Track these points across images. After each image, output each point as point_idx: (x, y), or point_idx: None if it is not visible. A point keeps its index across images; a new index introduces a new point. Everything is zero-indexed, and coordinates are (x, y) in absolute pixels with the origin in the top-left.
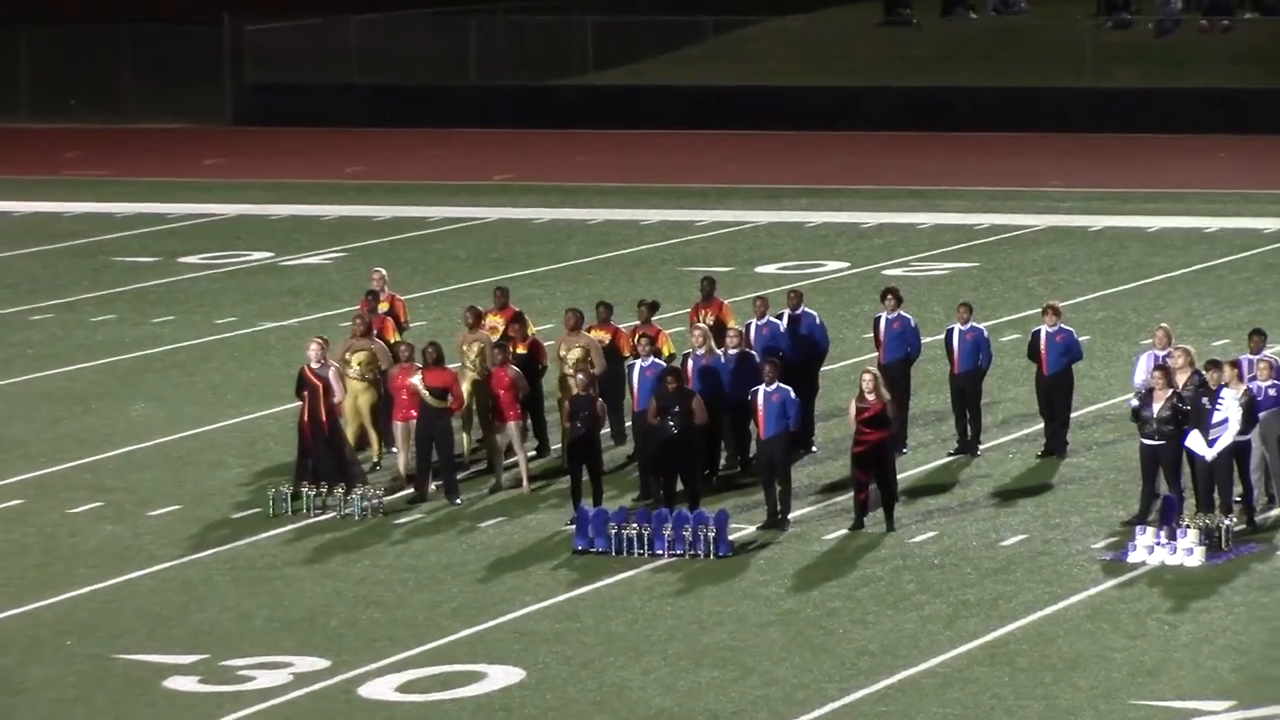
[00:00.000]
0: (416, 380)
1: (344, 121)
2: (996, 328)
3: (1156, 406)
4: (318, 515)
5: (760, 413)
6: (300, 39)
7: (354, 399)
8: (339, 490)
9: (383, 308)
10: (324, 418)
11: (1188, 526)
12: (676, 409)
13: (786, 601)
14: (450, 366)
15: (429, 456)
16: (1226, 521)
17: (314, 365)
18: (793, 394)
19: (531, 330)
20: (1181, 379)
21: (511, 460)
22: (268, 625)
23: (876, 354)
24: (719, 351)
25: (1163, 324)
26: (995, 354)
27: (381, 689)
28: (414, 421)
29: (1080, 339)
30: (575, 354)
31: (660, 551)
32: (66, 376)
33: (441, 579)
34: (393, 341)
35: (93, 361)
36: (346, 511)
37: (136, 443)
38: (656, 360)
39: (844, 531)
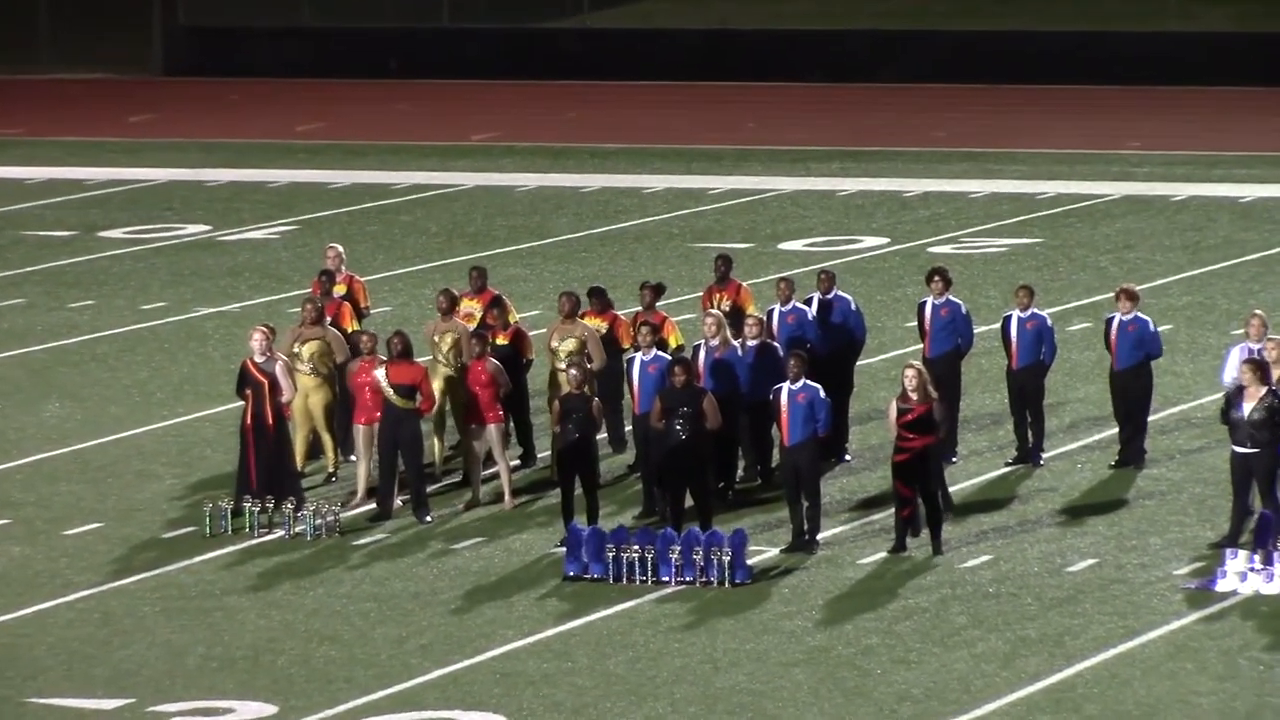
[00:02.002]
0: (380, 376)
1: (294, 71)
2: (1063, 315)
3: (1248, 407)
4: (263, 535)
5: (784, 415)
6: None
7: (305, 398)
8: (287, 506)
9: (339, 291)
10: (269, 420)
11: None
12: (685, 410)
13: (815, 637)
14: (419, 360)
15: (394, 466)
16: None
17: (258, 359)
18: (822, 393)
19: (514, 317)
20: (1279, 375)
21: (491, 470)
22: (204, 664)
23: (921, 346)
24: (735, 343)
25: (1257, 311)
26: (1061, 346)
27: None
28: (377, 425)
29: (1160, 329)
30: (570, 345)
31: (666, 578)
32: None
33: (409, 610)
34: (351, 331)
35: None
36: (297, 531)
37: (50, 449)
38: (661, 353)
39: (883, 555)
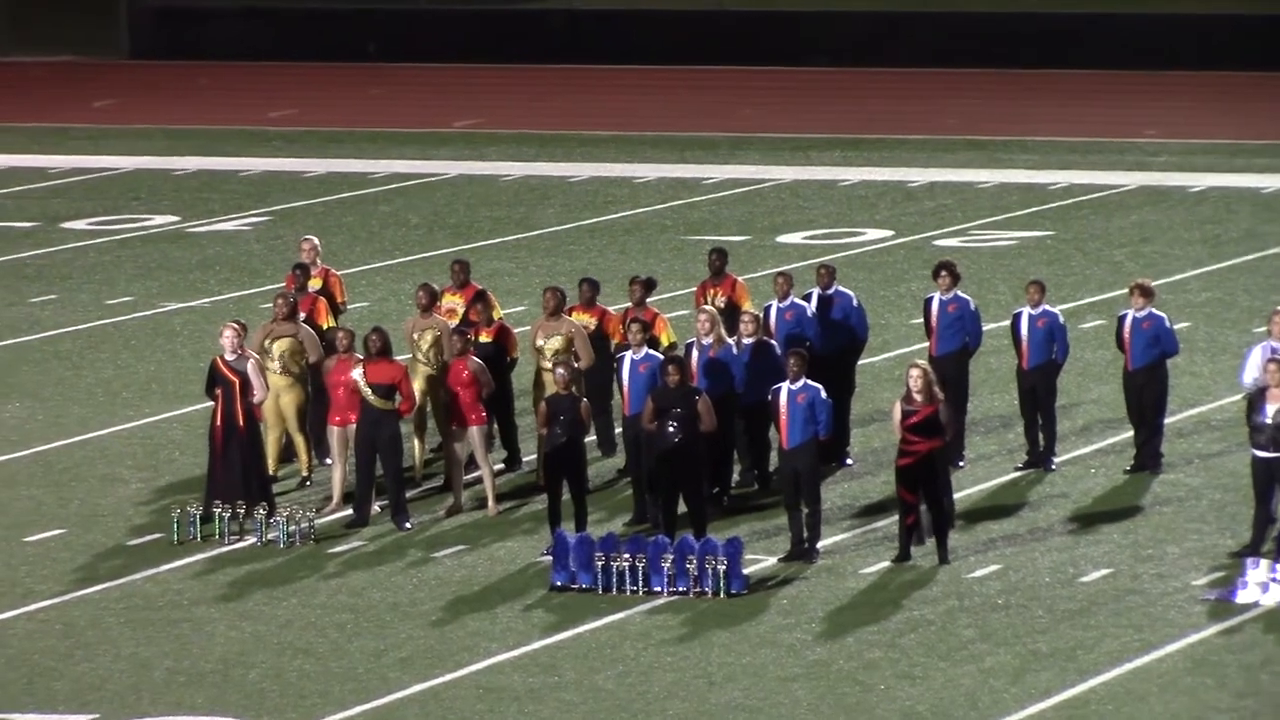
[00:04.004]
0: (357, 375)
1: (266, 54)
2: (1075, 311)
3: (1272, 409)
4: (234, 542)
5: (783, 416)
6: None
7: (276, 398)
8: (259, 512)
9: (314, 285)
10: (240, 421)
11: None
12: (678, 412)
13: (815, 651)
14: (399, 359)
15: (372, 470)
16: None
17: (229, 357)
18: (823, 393)
19: (498, 314)
20: None
21: (474, 475)
22: (171, 678)
23: (927, 344)
24: (730, 341)
25: None
26: (1073, 344)
27: None
28: (353, 426)
29: (1178, 326)
30: (555, 343)
31: (658, 589)
32: None
33: (387, 621)
34: (326, 327)
35: None
36: (269, 538)
37: (9, 451)
38: (652, 352)
39: (886, 564)
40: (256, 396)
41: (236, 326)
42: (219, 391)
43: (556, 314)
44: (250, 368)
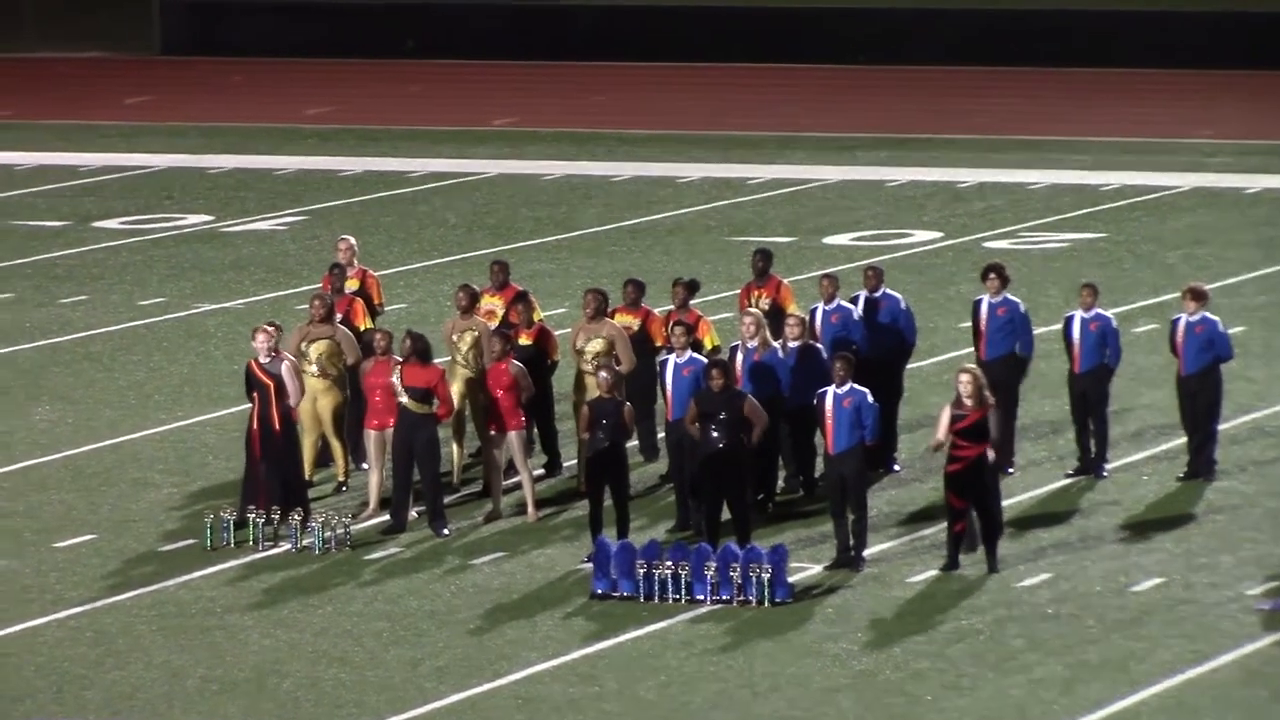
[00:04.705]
0: (394, 379)
1: (302, 50)
2: (1128, 315)
3: None
4: (268, 548)
5: (829, 421)
6: None
7: (313, 402)
8: (295, 517)
9: (351, 286)
10: (276, 425)
11: None
12: (722, 416)
13: (860, 660)
14: (437, 361)
15: (409, 475)
16: None
17: (263, 359)
18: (870, 398)
19: (539, 315)
20: None
21: (513, 480)
22: (204, 687)
23: (976, 348)
24: (776, 344)
25: None
26: (1126, 349)
27: None
28: (391, 431)
29: (1232, 330)
30: (596, 346)
31: (701, 597)
32: None
33: (424, 630)
34: (363, 329)
35: None
36: (305, 544)
37: (39, 455)
38: (695, 355)
39: (934, 573)
40: (292, 399)
41: (269, 329)
42: (255, 395)
43: (598, 316)
44: (285, 370)
